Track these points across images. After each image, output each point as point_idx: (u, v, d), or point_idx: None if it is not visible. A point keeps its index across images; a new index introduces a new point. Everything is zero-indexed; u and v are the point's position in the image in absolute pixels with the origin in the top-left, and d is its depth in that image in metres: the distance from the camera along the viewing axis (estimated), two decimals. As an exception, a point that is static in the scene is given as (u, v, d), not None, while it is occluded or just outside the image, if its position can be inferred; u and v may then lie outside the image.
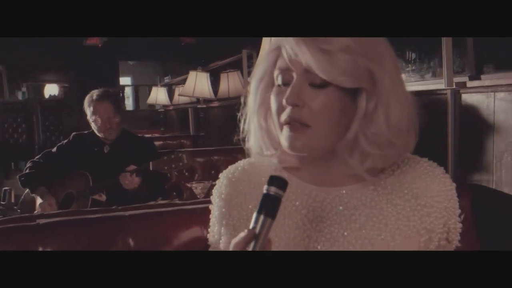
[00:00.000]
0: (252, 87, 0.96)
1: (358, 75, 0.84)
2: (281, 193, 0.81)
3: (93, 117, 2.79)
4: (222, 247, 0.98)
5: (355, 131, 0.86)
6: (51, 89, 9.91)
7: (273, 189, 0.81)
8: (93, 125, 2.82)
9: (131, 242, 1.31)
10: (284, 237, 0.91)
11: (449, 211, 0.92)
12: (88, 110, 2.83)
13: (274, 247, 0.86)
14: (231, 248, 0.80)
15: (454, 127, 1.87)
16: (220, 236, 0.99)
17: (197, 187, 2.54)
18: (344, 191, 0.92)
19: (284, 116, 0.87)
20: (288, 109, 0.87)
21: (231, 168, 1.01)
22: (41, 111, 8.29)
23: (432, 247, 0.91)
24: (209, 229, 1.03)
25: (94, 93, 2.85)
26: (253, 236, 0.79)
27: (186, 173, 3.59)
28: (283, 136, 0.88)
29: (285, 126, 0.88)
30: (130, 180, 2.56)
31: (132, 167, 2.57)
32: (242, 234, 0.79)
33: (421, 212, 0.90)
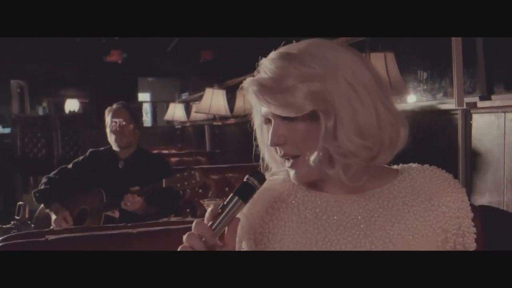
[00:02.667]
0: (256, 128, 1.04)
1: (314, 101, 0.91)
2: (258, 185, 0.93)
3: (109, 123, 2.84)
4: None
5: (322, 148, 0.92)
6: (71, 105, 10.09)
7: (251, 179, 0.93)
8: (108, 133, 2.87)
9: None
10: (307, 243, 0.95)
11: (462, 212, 0.96)
12: (107, 119, 2.89)
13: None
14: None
15: (465, 147, 1.86)
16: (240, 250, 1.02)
17: (209, 205, 2.54)
18: (360, 197, 0.98)
19: (279, 153, 0.97)
20: (278, 149, 0.97)
21: None
22: (61, 126, 8.43)
23: (448, 248, 0.95)
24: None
25: (115, 103, 2.94)
26: (222, 210, 0.90)
27: (200, 190, 3.61)
28: (290, 173, 0.99)
29: (287, 164, 0.98)
30: (132, 201, 2.56)
31: (136, 187, 2.58)
32: (213, 207, 0.91)
33: (435, 212, 0.95)
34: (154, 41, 7.81)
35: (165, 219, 2.43)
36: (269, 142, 0.96)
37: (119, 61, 8.48)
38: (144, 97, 11.25)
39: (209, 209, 0.92)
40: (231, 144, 5.76)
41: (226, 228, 0.92)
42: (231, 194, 0.92)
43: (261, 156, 1.05)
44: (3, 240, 1.34)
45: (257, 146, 1.04)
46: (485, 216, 1.69)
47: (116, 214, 2.76)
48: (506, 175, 1.72)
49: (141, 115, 3.11)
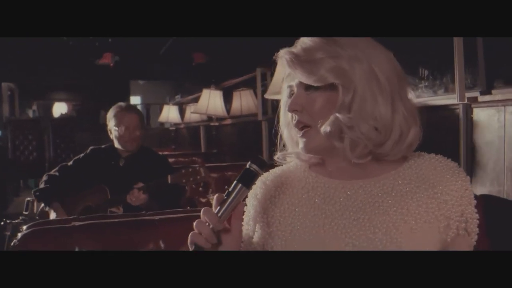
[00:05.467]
0: (281, 105, 1.12)
1: (337, 75, 0.99)
2: (260, 171, 0.98)
3: (118, 126, 2.82)
4: (254, 241, 1.08)
5: (334, 118, 0.99)
6: (60, 108, 10.03)
7: (254, 166, 0.98)
8: (114, 135, 2.84)
9: (162, 244, 1.38)
10: (315, 226, 1.01)
11: (465, 200, 1.00)
12: (112, 120, 2.85)
13: (307, 236, 0.99)
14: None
15: (466, 140, 1.94)
16: (254, 232, 1.08)
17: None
18: (366, 183, 1.03)
19: (293, 120, 1.04)
20: (294, 116, 1.04)
21: (265, 174, 1.12)
22: (52, 129, 8.39)
23: (451, 234, 0.99)
24: (242, 228, 1.11)
25: (122, 104, 2.93)
26: (227, 197, 0.96)
27: (201, 188, 3.66)
28: (300, 142, 1.05)
29: (298, 134, 1.04)
30: (137, 197, 2.60)
31: (140, 184, 2.62)
32: (218, 195, 0.97)
33: (438, 200, 0.99)
34: (146, 44, 7.82)
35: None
36: (287, 108, 1.04)
37: (111, 64, 8.45)
38: (135, 100, 11.23)
39: (215, 197, 0.98)
40: (228, 144, 5.80)
41: (232, 214, 0.98)
42: (235, 181, 0.97)
43: (279, 134, 1.12)
44: (30, 227, 1.38)
45: (277, 122, 1.11)
46: (486, 205, 1.76)
47: (120, 210, 2.79)
48: (507, 165, 1.80)
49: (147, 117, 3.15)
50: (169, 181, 2.61)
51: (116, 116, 2.86)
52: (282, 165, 1.14)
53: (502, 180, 1.82)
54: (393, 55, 1.04)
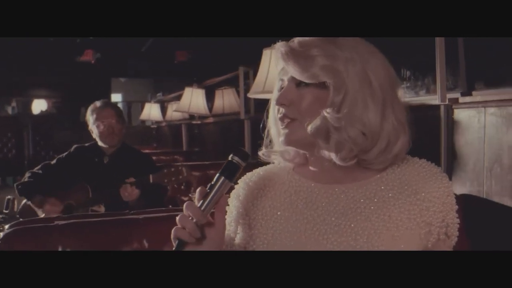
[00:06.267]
0: (271, 100, 1.10)
1: (329, 74, 0.98)
2: (242, 163, 0.98)
3: (96, 123, 2.85)
4: (236, 243, 1.07)
5: (323, 117, 0.99)
6: (40, 105, 9.89)
7: (236, 158, 0.97)
8: (95, 133, 2.88)
9: (146, 243, 1.37)
10: (297, 231, 1.00)
11: (447, 206, 1.00)
12: (91, 118, 2.89)
13: (288, 241, 0.99)
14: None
15: (447, 140, 1.97)
16: (235, 234, 1.08)
17: (199, 199, 2.59)
18: (349, 188, 1.02)
19: (279, 113, 1.04)
20: (281, 109, 1.03)
21: (248, 174, 1.12)
22: (32, 126, 8.28)
23: (432, 239, 0.99)
24: None
25: (98, 102, 2.95)
26: (210, 190, 0.96)
27: (183, 187, 3.65)
28: (281, 134, 1.05)
29: (281, 125, 1.04)
30: (130, 192, 2.60)
31: (132, 179, 2.62)
32: (201, 188, 0.97)
33: (420, 207, 0.99)
34: (128, 42, 7.76)
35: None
36: (275, 101, 1.03)
37: (92, 61, 8.36)
38: (116, 97, 11.13)
39: (197, 190, 0.97)
40: (210, 143, 5.79)
41: (215, 207, 0.97)
42: (217, 174, 0.96)
43: (266, 130, 1.11)
44: (12, 226, 1.37)
45: (267, 117, 1.11)
46: (465, 205, 1.80)
47: (102, 209, 2.78)
48: (486, 165, 1.83)
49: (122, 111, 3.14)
50: (151, 181, 2.60)
51: (92, 114, 2.90)
52: (266, 163, 1.14)
53: (482, 180, 1.86)
54: (387, 61, 1.04)
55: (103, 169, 2.89)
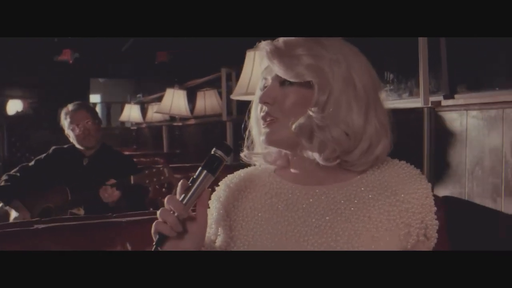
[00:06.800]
0: (254, 100, 1.10)
1: (315, 74, 0.98)
2: (225, 157, 0.97)
3: (71, 126, 2.81)
4: (217, 245, 1.06)
5: (307, 116, 0.98)
6: (15, 105, 9.69)
7: (219, 152, 0.96)
8: (71, 136, 2.84)
9: (129, 246, 1.35)
10: (278, 233, 1.00)
11: (426, 208, 1.01)
12: (66, 122, 2.85)
13: (268, 242, 0.98)
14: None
15: (430, 142, 1.99)
16: (216, 236, 1.07)
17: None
18: (330, 189, 1.03)
19: (262, 111, 1.03)
20: (264, 107, 1.02)
21: (229, 176, 1.12)
22: (7, 126, 8.12)
23: (411, 241, 0.99)
24: None
25: (70, 105, 2.91)
26: (192, 184, 0.95)
27: (164, 189, 3.62)
28: (262, 133, 1.04)
29: (263, 124, 1.03)
30: (110, 193, 2.56)
31: (112, 181, 2.58)
32: (183, 181, 0.96)
33: (399, 208, 0.99)
34: (108, 41, 7.66)
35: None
36: (259, 99, 1.03)
37: (71, 61, 8.23)
38: (94, 98, 10.99)
39: (179, 183, 0.96)
40: (192, 145, 5.76)
41: (197, 201, 0.96)
42: (200, 168, 0.95)
43: (247, 130, 1.11)
44: (-10, 229, 1.33)
45: (248, 117, 1.10)
46: (448, 206, 1.82)
47: (81, 211, 2.74)
48: (468, 168, 1.86)
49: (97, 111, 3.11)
50: (132, 182, 2.57)
51: (66, 118, 2.87)
52: (247, 165, 1.13)
53: (464, 182, 1.88)
54: (370, 64, 1.04)
55: (82, 171, 2.85)
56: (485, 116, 1.77)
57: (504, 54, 1.74)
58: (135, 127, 8.84)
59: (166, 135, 6.08)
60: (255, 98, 1.09)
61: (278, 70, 1.00)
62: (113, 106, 10.58)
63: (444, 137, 1.96)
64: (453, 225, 1.72)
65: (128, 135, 8.98)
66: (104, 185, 2.55)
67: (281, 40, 1.03)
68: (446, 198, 1.86)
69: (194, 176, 0.95)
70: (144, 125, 7.83)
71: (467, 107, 1.84)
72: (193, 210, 0.98)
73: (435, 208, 1.02)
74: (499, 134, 1.72)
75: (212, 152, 0.97)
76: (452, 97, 1.94)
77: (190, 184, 0.95)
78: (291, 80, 1.00)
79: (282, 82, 1.01)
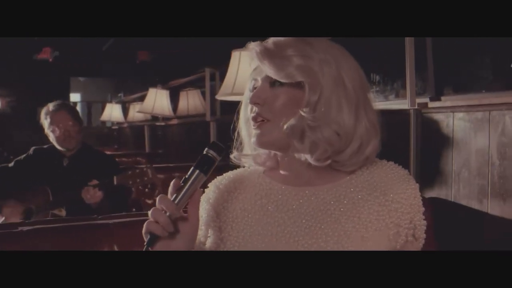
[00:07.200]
0: (243, 100, 1.10)
1: (305, 74, 0.98)
2: (217, 157, 0.96)
3: (51, 127, 2.76)
4: (207, 247, 1.06)
5: (299, 117, 0.98)
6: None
7: (211, 152, 0.96)
8: (51, 137, 2.79)
9: (116, 248, 1.33)
10: (268, 234, 1.00)
11: (414, 208, 1.01)
12: (46, 122, 2.80)
13: (259, 243, 0.98)
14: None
15: (416, 144, 2.00)
16: (206, 238, 1.06)
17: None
18: (319, 190, 1.03)
19: (253, 112, 1.02)
20: (254, 108, 1.01)
21: (218, 177, 1.11)
22: (-15, 126, 7.97)
23: (400, 241, 1.00)
24: None
25: (51, 104, 2.86)
26: (184, 183, 0.94)
27: (147, 189, 3.58)
28: (252, 134, 1.03)
29: (253, 126, 1.02)
30: (92, 194, 2.53)
31: (95, 181, 2.55)
32: (175, 181, 0.95)
33: (389, 208, 0.99)
34: (89, 40, 7.57)
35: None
36: (249, 100, 1.02)
37: (50, 59, 8.12)
38: (74, 97, 10.86)
39: (172, 183, 0.95)
40: (174, 145, 5.72)
41: (189, 201, 0.95)
42: (192, 167, 0.95)
43: (236, 131, 1.10)
44: (-28, 232, 1.29)
45: (237, 119, 1.09)
46: (434, 207, 1.83)
47: (63, 212, 2.70)
48: (454, 169, 1.87)
49: (78, 111, 3.07)
50: (115, 182, 2.54)
51: (46, 118, 2.81)
52: (235, 166, 1.13)
53: (450, 184, 1.90)
54: (359, 66, 1.05)
55: (63, 171, 2.81)
56: (472, 118, 1.79)
57: (490, 57, 1.76)
58: (116, 127, 8.76)
59: (148, 135, 6.03)
60: (244, 99, 1.09)
61: (269, 71, 0.99)
62: (93, 105, 10.47)
63: (431, 139, 1.98)
64: (439, 226, 1.73)
65: (109, 135, 8.89)
66: (87, 186, 2.51)
67: (270, 41, 1.03)
68: (432, 199, 1.87)
69: (186, 176, 0.94)
70: (125, 125, 7.76)
71: (453, 109, 1.85)
72: (185, 211, 0.97)
73: (423, 209, 1.02)
74: (485, 136, 1.74)
75: (205, 152, 0.96)
76: (439, 99, 1.95)
77: (182, 184, 0.94)
78: (282, 80, 0.99)
79: (273, 83, 1.00)
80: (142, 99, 5.40)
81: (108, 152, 5.57)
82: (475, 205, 1.80)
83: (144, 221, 1.33)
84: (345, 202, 1.00)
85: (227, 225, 1.04)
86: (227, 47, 2.42)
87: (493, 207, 1.72)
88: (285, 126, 0.99)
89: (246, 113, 1.07)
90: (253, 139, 1.02)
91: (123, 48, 7.56)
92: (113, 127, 8.96)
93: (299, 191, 1.03)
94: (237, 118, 1.10)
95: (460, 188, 1.85)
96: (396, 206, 1.00)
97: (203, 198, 1.08)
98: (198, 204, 0.98)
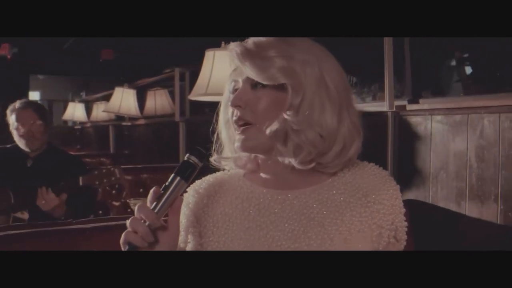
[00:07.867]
0: (222, 102, 1.07)
1: (288, 76, 0.96)
2: (199, 163, 0.93)
3: (15, 125, 2.66)
4: None
5: (281, 120, 0.96)
6: None
7: (192, 158, 0.93)
8: (15, 135, 2.68)
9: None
10: (250, 238, 0.98)
11: (396, 209, 1.01)
12: (11, 119, 2.70)
13: (240, 248, 0.96)
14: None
15: (394, 146, 2.01)
16: (186, 244, 1.03)
17: (136, 204, 2.47)
18: (302, 193, 1.01)
19: (234, 116, 0.99)
20: (236, 111, 0.99)
21: (197, 181, 1.08)
22: None
23: (383, 242, 0.99)
24: None
25: (18, 102, 2.76)
26: (164, 191, 0.91)
27: (114, 191, 3.49)
28: (236, 139, 1.00)
29: (236, 130, 1.00)
30: (47, 199, 2.40)
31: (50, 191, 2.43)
32: (155, 188, 0.92)
33: (371, 209, 0.99)
34: (49, 37, 7.35)
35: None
36: (230, 102, 0.99)
37: (9, 56, 7.86)
38: (34, 95, 10.55)
39: (151, 191, 0.92)
40: (141, 145, 5.62)
41: (169, 210, 0.93)
42: (173, 174, 0.92)
43: (216, 134, 1.07)
44: None
45: (216, 121, 1.06)
46: (412, 209, 1.84)
47: (25, 215, 2.58)
48: (432, 171, 1.89)
49: (47, 111, 2.95)
50: (81, 183, 2.44)
51: (12, 115, 2.70)
52: (215, 169, 1.10)
53: (428, 186, 1.91)
54: (340, 66, 1.03)
55: (27, 172, 2.69)
56: (450, 121, 1.81)
57: (470, 60, 1.79)
58: (79, 126, 8.55)
59: (113, 135, 5.90)
60: (223, 101, 1.06)
61: (251, 72, 0.97)
62: (55, 104, 10.19)
63: (409, 141, 1.99)
64: (416, 228, 1.74)
65: (71, 135, 8.67)
66: (40, 188, 2.37)
67: (250, 41, 1.00)
68: (409, 201, 1.88)
69: (167, 183, 0.91)
70: (88, 125, 7.58)
71: (431, 112, 1.87)
72: (165, 220, 0.94)
73: (404, 210, 1.02)
74: (463, 139, 1.76)
75: (186, 158, 0.93)
76: (417, 102, 1.97)
77: (162, 192, 0.91)
78: (264, 82, 0.97)
79: (254, 85, 0.98)
80: (106, 98, 5.28)
81: (70, 152, 5.41)
82: (453, 207, 1.82)
83: (121, 225, 1.28)
84: (327, 205, 0.99)
85: (207, 230, 1.01)
86: (198, 47, 2.38)
87: (471, 209, 1.75)
88: (267, 130, 0.97)
89: (226, 115, 1.04)
90: (237, 144, 1.00)
91: (85, 46, 7.39)
92: (76, 127, 8.74)
93: (281, 195, 1.01)
94: (217, 120, 1.07)
95: (438, 190, 1.87)
96: (378, 208, 0.99)
97: (183, 203, 1.03)
98: (179, 212, 0.95)
